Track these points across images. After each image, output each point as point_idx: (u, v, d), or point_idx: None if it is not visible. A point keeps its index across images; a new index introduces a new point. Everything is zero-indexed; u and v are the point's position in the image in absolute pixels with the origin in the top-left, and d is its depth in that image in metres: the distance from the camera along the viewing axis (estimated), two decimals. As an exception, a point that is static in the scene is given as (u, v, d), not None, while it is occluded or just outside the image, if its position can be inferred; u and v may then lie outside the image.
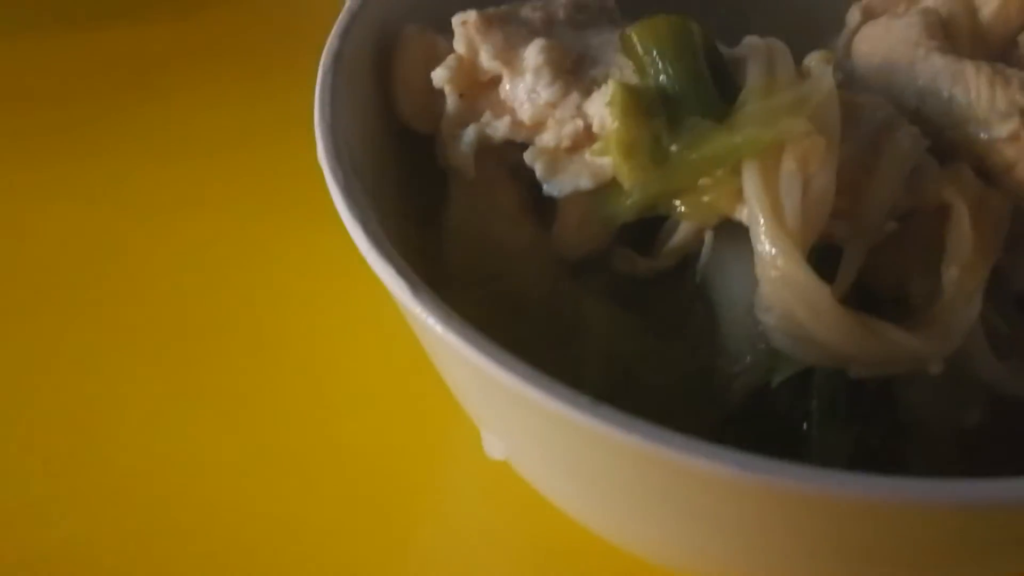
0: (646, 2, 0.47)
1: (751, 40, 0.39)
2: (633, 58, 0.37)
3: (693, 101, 0.36)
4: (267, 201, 0.58)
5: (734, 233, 0.36)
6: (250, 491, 0.45)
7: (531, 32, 0.40)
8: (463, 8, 0.41)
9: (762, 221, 0.34)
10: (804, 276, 0.33)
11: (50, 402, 0.48)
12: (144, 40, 0.70)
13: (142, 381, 0.49)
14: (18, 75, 0.67)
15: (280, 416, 0.47)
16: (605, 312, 0.39)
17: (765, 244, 0.34)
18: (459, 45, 0.40)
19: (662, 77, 0.36)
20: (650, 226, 0.39)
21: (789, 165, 0.34)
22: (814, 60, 0.38)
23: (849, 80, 0.42)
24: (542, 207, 0.40)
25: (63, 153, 0.61)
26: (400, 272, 0.32)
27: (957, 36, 0.44)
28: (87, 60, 0.68)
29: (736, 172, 0.35)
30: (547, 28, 0.41)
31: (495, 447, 0.37)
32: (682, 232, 0.37)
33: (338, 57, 0.39)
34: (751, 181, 0.34)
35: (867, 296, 0.36)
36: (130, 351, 0.50)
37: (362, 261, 0.34)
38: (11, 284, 0.54)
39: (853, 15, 0.47)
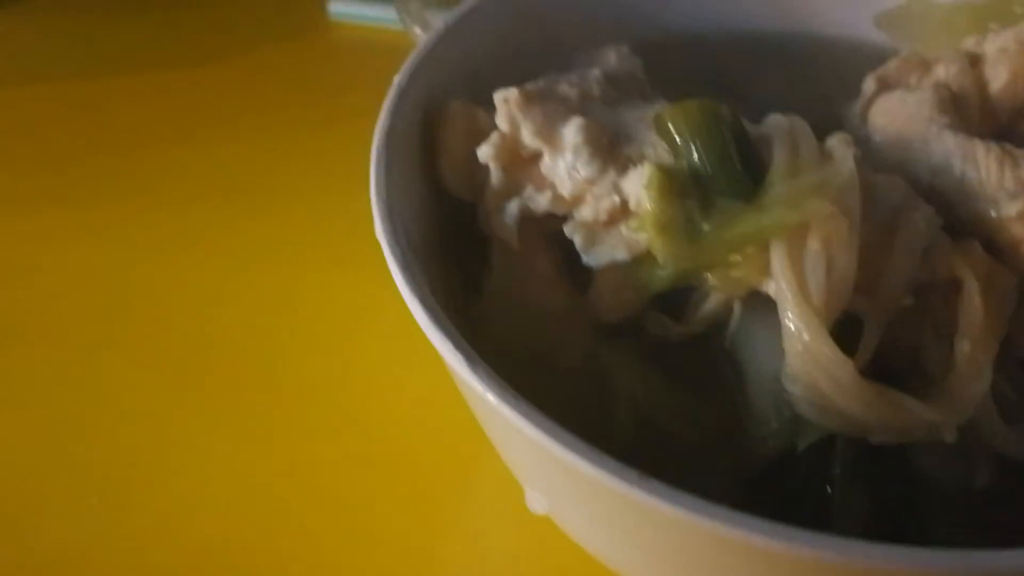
0: (672, 70, 0.50)
1: (775, 119, 0.41)
2: (667, 140, 0.40)
3: (723, 182, 0.38)
4: (306, 246, 0.61)
5: (761, 304, 0.39)
6: (290, 538, 0.46)
7: (569, 110, 0.43)
8: (502, 82, 0.44)
9: (789, 298, 0.36)
10: (828, 351, 0.36)
11: (79, 444, 0.50)
12: (182, 85, 0.73)
13: (179, 423, 0.51)
14: (59, 119, 0.69)
15: (320, 464, 0.49)
16: (638, 373, 0.41)
17: (792, 320, 0.36)
18: (502, 122, 0.42)
19: (695, 159, 0.39)
20: (682, 291, 0.41)
21: (814, 245, 0.37)
22: (836, 142, 0.40)
23: (865, 151, 0.45)
24: (578, 272, 0.43)
25: (98, 194, 0.64)
26: (458, 347, 0.35)
27: (967, 109, 0.47)
28: (125, 103, 0.71)
29: (764, 249, 0.37)
30: (583, 105, 0.43)
31: (538, 502, 0.40)
32: (712, 301, 0.40)
33: (390, 133, 0.41)
34: (778, 260, 0.37)
35: (884, 363, 0.39)
36: (165, 393, 0.52)
37: (403, 306, 0.36)
38: (44, 323, 0.56)
39: (869, 84, 0.49)
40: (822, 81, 0.52)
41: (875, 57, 0.51)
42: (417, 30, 0.68)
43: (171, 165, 0.66)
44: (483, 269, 0.44)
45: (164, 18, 0.78)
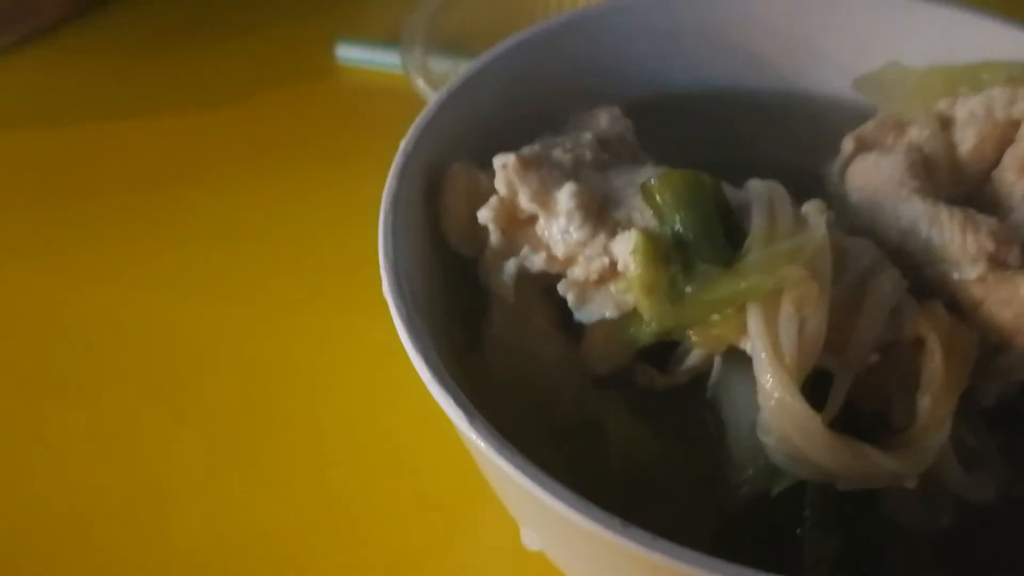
0: (663, 128, 0.53)
1: (755, 185, 0.44)
2: (653, 207, 0.43)
3: (705, 249, 0.42)
4: (312, 286, 0.63)
5: (740, 358, 0.42)
6: (292, 570, 0.49)
7: (563, 175, 0.46)
8: (504, 141, 0.47)
9: (763, 356, 0.39)
10: (798, 406, 0.39)
11: (100, 486, 0.53)
12: (192, 127, 0.75)
13: (191, 463, 0.54)
14: (75, 164, 0.72)
15: (322, 500, 0.52)
16: (626, 420, 0.44)
17: (765, 376, 0.39)
18: (500, 186, 0.45)
19: (678, 227, 0.42)
20: (667, 345, 0.45)
21: (787, 308, 0.40)
22: (811, 208, 0.43)
23: (842, 210, 0.48)
24: (571, 324, 0.46)
25: (109, 235, 0.66)
26: (458, 402, 0.38)
27: (937, 171, 0.50)
28: (136, 145, 0.73)
29: (742, 310, 0.41)
30: (576, 170, 0.46)
31: (532, 540, 0.43)
32: (694, 356, 0.43)
33: (397, 196, 0.45)
34: (754, 321, 0.40)
35: (854, 410, 0.42)
36: (178, 432, 0.55)
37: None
38: (69, 366, 0.59)
39: (847, 144, 0.52)
40: (806, 139, 0.55)
41: (857, 115, 0.54)
42: (419, 79, 0.71)
43: (180, 207, 0.68)
44: (484, 321, 0.47)
45: (174, 62, 0.80)
